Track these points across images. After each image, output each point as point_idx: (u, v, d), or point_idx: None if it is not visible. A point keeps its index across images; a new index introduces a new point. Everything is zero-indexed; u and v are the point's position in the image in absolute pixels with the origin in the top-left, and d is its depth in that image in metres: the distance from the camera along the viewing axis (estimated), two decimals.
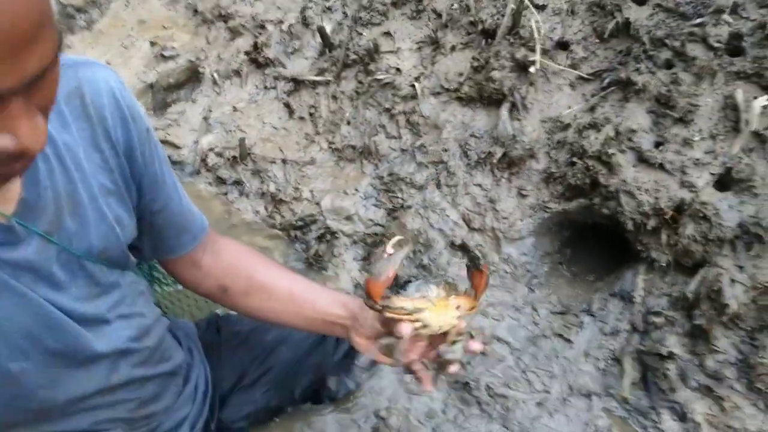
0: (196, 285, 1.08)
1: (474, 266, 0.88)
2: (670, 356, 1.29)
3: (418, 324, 0.81)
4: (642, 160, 1.39)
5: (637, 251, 1.41)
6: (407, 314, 0.81)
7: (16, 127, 0.52)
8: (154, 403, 1.00)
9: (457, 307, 0.83)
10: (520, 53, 1.66)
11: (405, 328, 0.81)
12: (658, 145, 1.42)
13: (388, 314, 0.81)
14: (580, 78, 1.63)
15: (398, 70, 1.94)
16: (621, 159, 1.42)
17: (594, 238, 1.60)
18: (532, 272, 1.60)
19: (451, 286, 0.86)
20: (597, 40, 1.62)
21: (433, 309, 0.81)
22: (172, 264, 1.05)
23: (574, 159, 1.52)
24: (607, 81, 1.56)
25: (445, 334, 0.85)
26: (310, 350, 1.34)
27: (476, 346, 0.90)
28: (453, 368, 0.90)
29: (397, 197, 1.79)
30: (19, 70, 0.48)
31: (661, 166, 1.38)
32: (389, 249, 0.83)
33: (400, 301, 0.81)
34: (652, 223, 1.35)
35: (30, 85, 0.51)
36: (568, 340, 1.45)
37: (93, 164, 0.80)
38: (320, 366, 1.36)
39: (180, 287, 1.60)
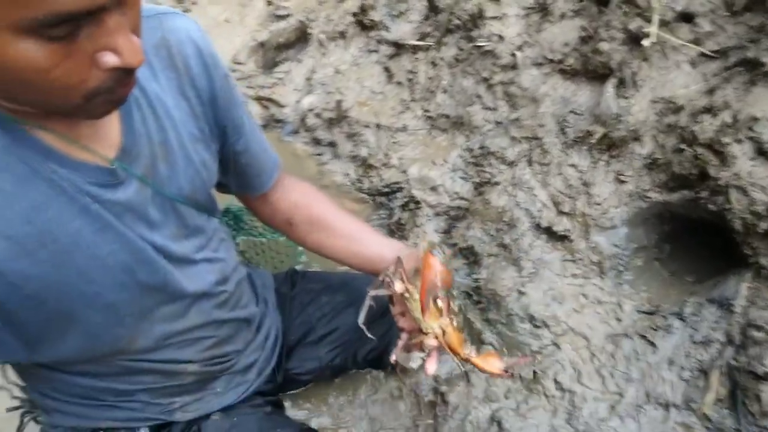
0: (268, 218, 1.18)
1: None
2: (767, 377, 1.15)
3: (407, 297, 0.89)
4: (761, 152, 1.22)
5: (744, 255, 1.26)
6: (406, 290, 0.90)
7: (115, 43, 0.57)
8: (228, 345, 1.08)
9: (440, 327, 0.87)
10: (635, 24, 1.50)
11: (397, 286, 0.91)
12: None
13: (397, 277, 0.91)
14: (703, 55, 1.44)
15: (500, 37, 1.84)
16: (736, 149, 1.25)
17: (697, 236, 1.44)
18: (623, 265, 1.48)
19: (458, 319, 0.90)
20: (727, 14, 1.42)
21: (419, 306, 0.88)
22: (251, 200, 1.14)
23: (683, 146, 1.36)
24: (732, 60, 1.37)
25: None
26: (377, 316, 1.36)
27: (429, 367, 0.93)
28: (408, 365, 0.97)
29: (486, 172, 1.72)
30: None
31: None
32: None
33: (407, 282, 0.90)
34: (764, 225, 1.19)
35: (119, 1, 0.55)
36: (652, 344, 1.34)
37: (181, 112, 0.85)
38: (385, 333, 1.38)
39: (264, 239, 1.69)
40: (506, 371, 0.90)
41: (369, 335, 0.98)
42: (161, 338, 0.93)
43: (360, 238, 1.11)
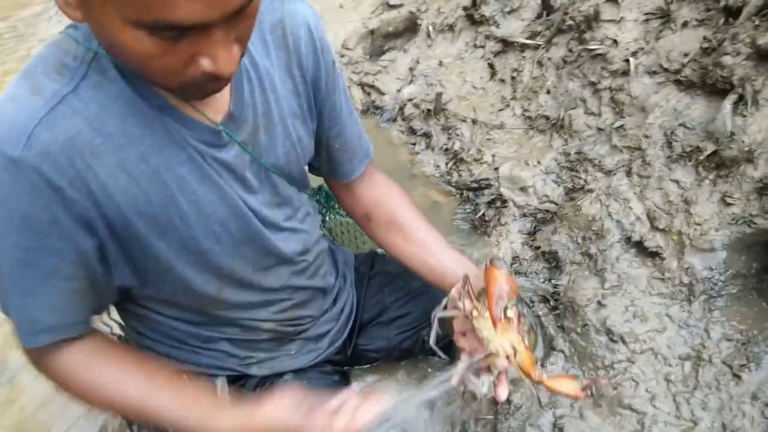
0: (349, 208, 1.20)
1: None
2: None
3: (476, 316, 0.83)
4: None
5: None
6: (474, 308, 0.83)
7: (214, 53, 0.62)
8: (302, 309, 1.14)
9: (512, 346, 0.82)
10: (764, 39, 1.41)
11: (465, 304, 0.85)
12: None
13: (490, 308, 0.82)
14: None
15: (615, 41, 1.78)
16: None
17: None
18: (716, 290, 1.40)
19: (530, 337, 0.85)
20: None
21: (488, 324, 0.82)
22: (337, 187, 1.18)
23: None
24: None
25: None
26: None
27: (501, 393, 0.88)
28: (474, 394, 0.91)
29: (580, 178, 1.68)
30: (223, 4, 0.57)
31: None
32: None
33: (476, 296, 0.85)
34: None
35: (230, 19, 0.60)
36: (737, 375, 1.26)
37: (285, 89, 0.92)
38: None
39: (350, 220, 1.76)
40: (584, 390, 0.83)
41: (442, 356, 1.01)
42: (243, 293, 1.00)
43: (433, 249, 1.09)
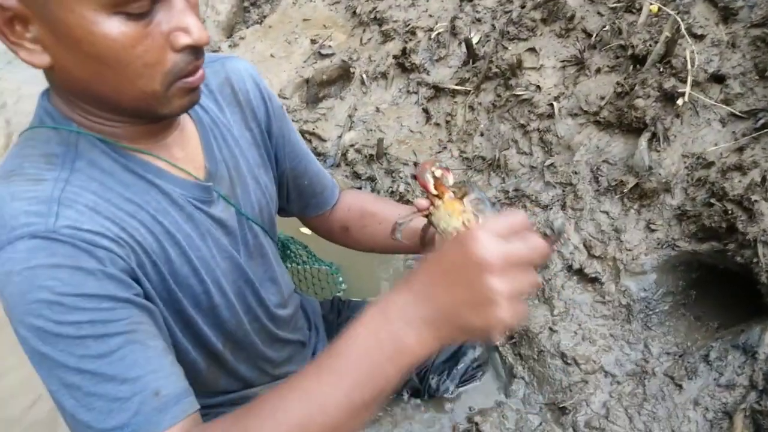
0: (328, 233, 1.25)
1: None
2: None
3: (432, 210, 0.77)
4: None
5: None
6: (431, 194, 0.77)
7: (185, 23, 0.67)
8: (288, 365, 1.16)
9: (463, 224, 0.74)
10: (669, 83, 1.61)
11: (419, 202, 0.79)
12: None
13: (419, 181, 0.78)
14: (732, 115, 1.55)
15: (538, 87, 1.96)
16: (764, 207, 1.34)
17: (723, 284, 1.52)
18: (651, 309, 1.56)
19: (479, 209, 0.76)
20: (757, 77, 1.53)
21: (444, 208, 0.75)
22: (311, 220, 1.23)
23: (713, 200, 1.46)
24: (761, 122, 1.47)
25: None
26: None
27: None
28: None
29: None
30: None
31: None
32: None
33: (433, 180, 0.76)
34: None
35: None
36: (679, 385, 1.41)
37: (246, 141, 0.98)
38: (424, 363, 1.46)
39: (308, 267, 1.79)
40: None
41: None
42: (240, 353, 1.01)
43: (406, 213, 1.12)
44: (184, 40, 0.67)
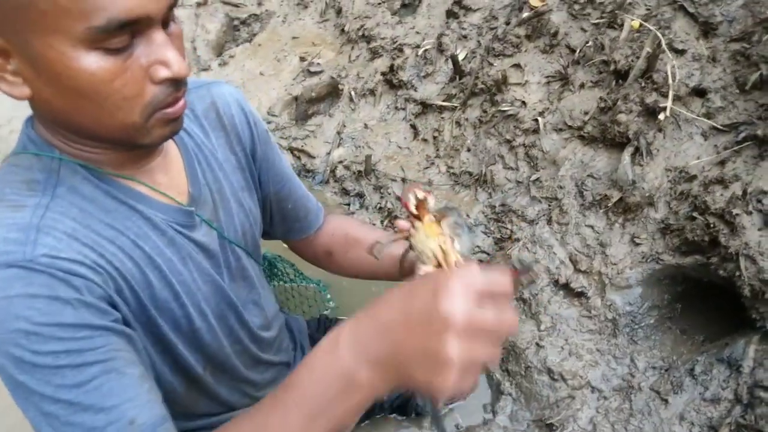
0: (312, 257, 1.25)
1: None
2: None
3: (412, 233, 0.78)
4: None
5: (752, 319, 1.33)
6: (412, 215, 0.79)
7: (165, 56, 0.67)
8: (270, 388, 1.15)
9: (440, 248, 0.74)
10: (651, 98, 1.63)
11: (400, 224, 0.81)
12: None
13: (402, 201, 0.79)
14: (714, 129, 1.56)
15: (523, 103, 1.97)
16: (746, 221, 1.35)
17: (707, 297, 1.52)
18: (636, 323, 1.56)
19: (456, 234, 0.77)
20: (737, 91, 1.54)
21: (423, 230, 0.76)
22: (295, 243, 1.23)
23: (695, 214, 1.46)
24: (742, 135, 1.48)
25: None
26: None
27: None
28: None
29: (507, 228, 1.82)
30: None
31: None
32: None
33: (415, 201, 0.78)
34: None
35: (166, 15, 0.66)
36: (665, 400, 1.40)
37: (230, 165, 0.98)
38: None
39: (295, 284, 1.79)
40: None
41: None
42: (221, 376, 1.01)
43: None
44: (163, 73, 0.67)
